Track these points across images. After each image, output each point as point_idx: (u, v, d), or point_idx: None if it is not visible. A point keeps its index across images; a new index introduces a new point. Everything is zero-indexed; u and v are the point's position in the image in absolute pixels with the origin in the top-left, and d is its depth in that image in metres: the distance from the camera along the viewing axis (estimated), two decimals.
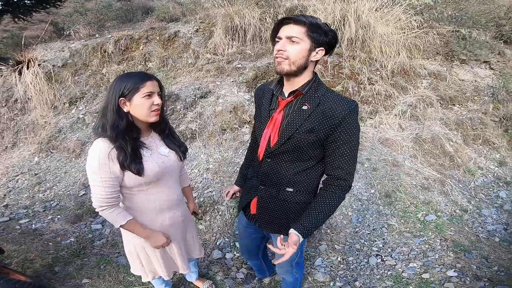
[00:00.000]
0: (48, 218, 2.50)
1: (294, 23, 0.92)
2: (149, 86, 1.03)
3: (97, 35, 4.46)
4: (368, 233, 2.31)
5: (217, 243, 2.19)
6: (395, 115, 3.39)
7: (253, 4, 3.85)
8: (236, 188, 1.40)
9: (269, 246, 0.99)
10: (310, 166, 1.04)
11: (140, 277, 1.42)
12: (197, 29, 3.97)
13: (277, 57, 0.94)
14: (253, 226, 1.28)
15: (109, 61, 3.81)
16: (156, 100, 1.05)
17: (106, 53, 3.85)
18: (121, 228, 1.21)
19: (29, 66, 3.60)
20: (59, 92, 3.57)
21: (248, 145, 1.42)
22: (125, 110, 1.03)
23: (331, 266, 2.04)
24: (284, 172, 1.06)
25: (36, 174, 2.99)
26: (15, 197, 2.77)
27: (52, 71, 3.71)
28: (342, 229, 2.33)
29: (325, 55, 0.98)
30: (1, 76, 3.74)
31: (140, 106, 1.02)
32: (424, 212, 2.48)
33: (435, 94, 3.61)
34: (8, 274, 1.52)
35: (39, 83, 3.49)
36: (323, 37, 0.93)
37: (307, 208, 1.02)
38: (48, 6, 5.60)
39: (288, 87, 1.01)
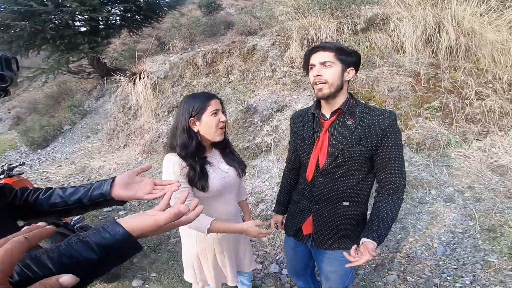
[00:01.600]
0: (140, 212, 2.89)
1: (322, 50, 1.04)
2: (214, 105, 1.09)
3: (189, 49, 5.11)
4: (455, 268, 1.98)
5: (276, 257, 2.21)
6: None
7: (328, 15, 3.72)
8: (280, 217, 1.44)
9: (345, 254, 1.01)
10: (361, 178, 1.10)
11: None
12: (273, 42, 4.07)
13: (316, 83, 1.04)
14: (301, 246, 1.33)
15: (198, 74, 4.32)
16: (222, 117, 1.11)
17: (196, 66, 4.37)
18: (184, 232, 1.29)
19: (141, 77, 4.41)
20: (161, 101, 4.26)
21: (283, 173, 1.44)
22: (195, 129, 1.10)
23: None
24: (338, 187, 1.11)
25: None
26: None
27: (156, 82, 4.46)
28: (421, 261, 2.07)
29: (355, 73, 1.08)
30: (120, 85, 4.71)
31: (209, 124, 1.09)
32: None
33: None
34: None
35: (147, 93, 4.24)
36: (350, 57, 1.04)
37: (365, 218, 1.10)
38: (152, 21, 6.75)
39: (328, 109, 1.10)
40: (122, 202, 0.71)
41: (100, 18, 5.39)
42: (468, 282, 1.88)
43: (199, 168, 1.10)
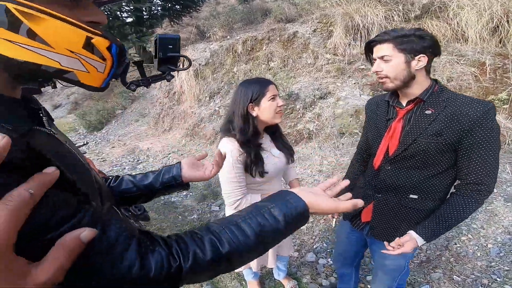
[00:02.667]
0: (183, 193, 2.92)
1: (379, 43, 0.95)
2: (272, 90, 1.09)
3: (228, 37, 5.18)
4: (507, 270, 1.85)
5: (314, 247, 2.21)
6: None
7: (375, 1, 3.50)
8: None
9: (386, 244, 1.00)
10: (438, 172, 1.00)
11: None
12: (315, 29, 3.96)
13: (379, 78, 0.99)
14: (357, 233, 1.29)
15: (238, 61, 4.38)
16: (280, 101, 1.11)
17: (236, 53, 4.43)
18: (229, 212, 1.33)
19: (184, 64, 4.59)
20: (202, 87, 4.43)
21: (352, 159, 1.39)
22: (254, 114, 1.10)
23: None
24: (406, 178, 1.04)
25: (181, 154, 3.85)
26: None
27: (198, 69, 4.62)
28: (471, 260, 1.95)
29: (433, 57, 0.95)
30: None
31: (268, 109, 1.09)
32: None
33: None
34: None
35: (190, 79, 4.43)
36: (418, 43, 0.91)
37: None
38: (191, 11, 6.92)
39: (404, 98, 1.02)
40: (187, 185, 0.76)
41: (144, 8, 5.66)
42: None
43: (255, 155, 1.11)
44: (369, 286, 1.88)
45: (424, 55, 0.93)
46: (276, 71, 3.88)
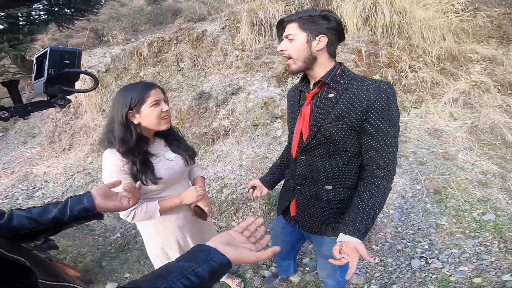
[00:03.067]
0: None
1: (287, 23, 0.94)
2: (153, 95, 1.02)
3: (132, 39, 4.72)
4: (412, 233, 2.14)
5: None
6: (445, 103, 3.07)
7: None
8: (258, 182, 1.34)
9: (331, 261, 0.90)
10: (346, 160, 0.98)
11: None
12: (223, 26, 3.99)
13: (285, 58, 0.97)
14: (290, 227, 1.26)
15: (145, 64, 4.02)
16: (164, 107, 1.05)
17: (142, 56, 4.06)
18: (141, 231, 1.26)
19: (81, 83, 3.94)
20: (105, 96, 3.88)
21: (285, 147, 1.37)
22: (135, 122, 1.03)
23: (367, 268, 1.93)
24: (320, 169, 1.01)
25: (89, 173, 3.30)
26: (72, 194, 3.04)
27: (98, 76, 4.03)
28: (381, 228, 2.20)
29: (334, 41, 0.94)
30: None
31: (150, 116, 1.02)
32: (481, 211, 2.21)
33: (492, 80, 3.19)
34: (62, 269, 1.67)
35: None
36: (321, 24, 0.91)
37: (349, 205, 0.97)
38: (86, 14, 6.06)
39: (312, 81, 1.00)
40: (101, 216, 0.71)
41: (19, 14, 4.64)
42: (427, 247, 2.00)
43: (141, 163, 1.04)
44: (307, 268, 1.93)
45: (324, 36, 0.91)
46: (186, 71, 3.70)
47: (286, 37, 0.93)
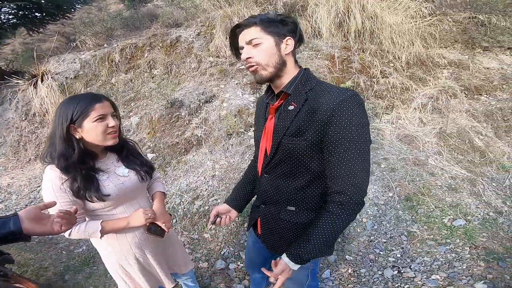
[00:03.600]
0: None
1: (246, 27, 0.86)
2: (98, 109, 0.97)
3: (105, 45, 4.54)
4: (385, 242, 2.13)
5: (222, 253, 2.14)
6: (415, 108, 3.14)
7: (251, 2, 3.75)
8: (224, 207, 1.20)
9: (264, 270, 0.91)
10: (310, 180, 0.88)
11: None
12: (199, 32, 3.92)
13: (249, 68, 0.87)
14: (261, 243, 1.21)
15: (117, 71, 3.87)
16: (111, 122, 0.99)
17: (114, 63, 3.91)
18: (96, 245, 1.18)
19: (43, 79, 3.73)
20: None
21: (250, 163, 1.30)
22: (77, 136, 0.98)
23: (340, 279, 1.91)
24: (283, 188, 0.93)
25: None
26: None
27: (65, 83, 3.84)
28: (355, 238, 2.18)
29: (297, 43, 0.88)
30: (19, 90, 3.92)
31: (93, 131, 0.97)
32: (452, 217, 2.23)
33: (458, 84, 3.31)
34: (20, 282, 1.56)
35: (54, 96, 3.61)
36: (282, 26, 0.85)
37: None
38: (58, 18, 5.81)
39: (276, 91, 0.92)
40: (29, 238, 0.70)
41: None
42: (399, 255, 2.00)
43: (83, 179, 0.97)
44: None
45: (290, 38, 0.85)
46: (158, 78, 3.59)
47: (250, 42, 0.84)
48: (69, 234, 1.01)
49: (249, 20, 0.85)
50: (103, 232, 1.04)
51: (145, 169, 1.16)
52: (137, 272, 1.22)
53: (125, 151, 1.14)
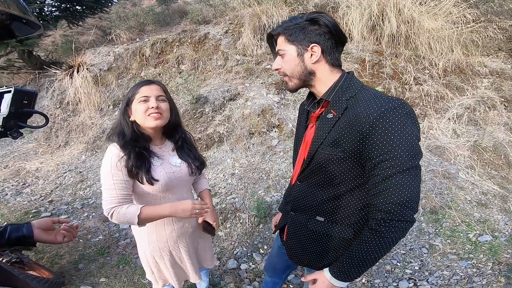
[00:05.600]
0: (84, 215, 2.66)
1: (276, 36, 0.84)
2: (143, 91, 1.02)
3: (137, 39, 4.72)
4: (404, 253, 2.06)
5: (234, 252, 2.14)
6: (449, 119, 2.96)
7: (281, 2, 3.70)
8: (277, 217, 1.25)
9: (303, 279, 0.91)
10: (344, 192, 0.82)
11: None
12: (227, 30, 3.94)
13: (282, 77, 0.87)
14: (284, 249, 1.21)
15: (146, 65, 4.00)
16: (152, 103, 1.02)
17: (144, 57, 4.05)
18: (135, 232, 1.21)
19: (79, 70, 3.96)
20: (105, 95, 3.87)
21: None
22: (131, 119, 1.05)
23: None
24: (314, 197, 0.89)
25: (80, 172, 3.27)
26: (60, 193, 3.04)
27: (99, 74, 4.04)
28: None
29: (338, 46, 0.79)
30: (56, 80, 4.18)
31: (137, 112, 1.03)
32: (478, 232, 2.14)
33: (499, 95, 3.06)
34: (34, 269, 1.65)
35: (88, 86, 3.82)
36: (310, 31, 0.77)
37: (349, 244, 0.86)
38: (97, 12, 6.15)
39: (317, 98, 0.87)
40: (35, 244, 0.79)
41: (31, 10, 4.71)
42: (417, 268, 1.93)
43: (136, 156, 1.02)
44: (291, 286, 1.87)
45: (316, 45, 0.77)
46: (186, 74, 3.66)
47: (278, 53, 0.82)
48: (111, 216, 1.01)
49: (276, 30, 0.83)
50: (141, 217, 1.02)
51: (197, 164, 1.18)
52: (168, 265, 1.25)
53: (181, 141, 1.16)
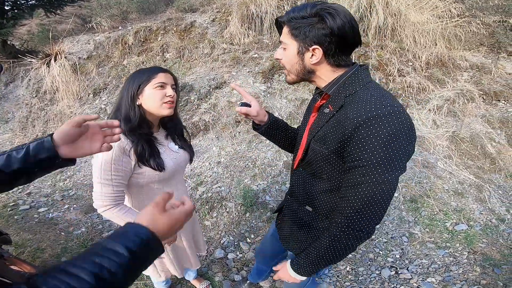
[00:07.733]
0: (65, 207, 2.56)
1: (283, 24, 0.76)
2: (161, 77, 0.99)
3: (120, 27, 4.54)
4: (385, 242, 2.11)
5: (221, 242, 2.12)
6: (429, 110, 3.04)
7: None
8: (259, 111, 1.01)
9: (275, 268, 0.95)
10: (333, 188, 0.80)
11: None
12: (214, 18, 3.87)
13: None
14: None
15: (129, 53, 3.86)
16: (169, 91, 1.00)
17: (127, 45, 3.90)
18: None
19: (57, 58, 3.76)
20: (84, 83, 3.71)
21: None
22: (138, 103, 1.00)
23: (338, 276, 1.88)
24: (309, 186, 0.88)
25: None
26: (39, 185, 2.90)
27: (77, 63, 3.85)
28: None
29: (345, 48, 0.71)
30: (32, 68, 3.96)
31: (152, 97, 0.98)
32: (454, 221, 2.22)
33: (478, 88, 3.18)
34: (15, 264, 1.55)
35: (66, 75, 3.63)
36: (316, 28, 0.67)
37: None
38: (76, 0, 5.86)
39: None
40: (73, 161, 0.67)
41: None
42: (398, 256, 1.99)
43: (146, 143, 1.00)
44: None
45: (319, 47, 0.69)
46: (170, 62, 3.56)
47: (281, 43, 0.77)
48: (104, 210, 0.99)
49: (283, 17, 0.75)
50: None
51: (192, 153, 1.19)
52: (170, 255, 1.25)
53: (175, 131, 1.15)
